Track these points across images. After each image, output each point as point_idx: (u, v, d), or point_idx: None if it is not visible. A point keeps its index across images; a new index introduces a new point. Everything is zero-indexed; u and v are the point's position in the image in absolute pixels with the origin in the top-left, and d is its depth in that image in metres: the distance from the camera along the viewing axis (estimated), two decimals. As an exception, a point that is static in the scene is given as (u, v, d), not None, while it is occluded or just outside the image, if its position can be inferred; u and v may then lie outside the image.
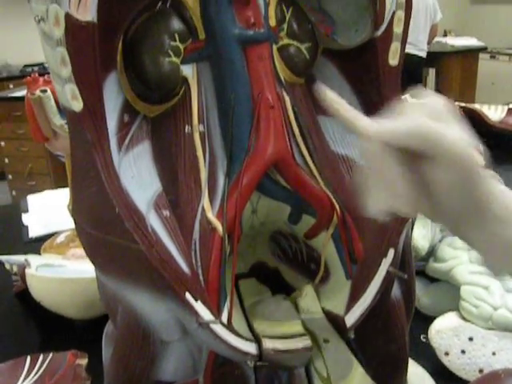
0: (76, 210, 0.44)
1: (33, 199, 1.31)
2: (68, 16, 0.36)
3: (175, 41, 0.43)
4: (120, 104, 0.44)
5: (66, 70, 0.37)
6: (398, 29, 0.46)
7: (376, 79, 0.48)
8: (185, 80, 0.45)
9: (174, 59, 0.43)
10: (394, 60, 0.47)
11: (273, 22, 0.46)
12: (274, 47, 0.46)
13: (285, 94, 0.46)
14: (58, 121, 0.87)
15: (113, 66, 0.43)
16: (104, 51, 0.40)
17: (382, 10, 0.46)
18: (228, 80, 0.44)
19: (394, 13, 0.46)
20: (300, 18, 0.48)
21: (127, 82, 0.44)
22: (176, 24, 0.44)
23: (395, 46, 0.47)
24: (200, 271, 0.43)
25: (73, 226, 0.98)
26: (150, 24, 0.43)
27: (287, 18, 0.47)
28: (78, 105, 0.38)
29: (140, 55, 0.43)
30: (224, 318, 0.43)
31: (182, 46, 0.44)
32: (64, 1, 0.36)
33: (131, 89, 0.44)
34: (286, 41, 0.47)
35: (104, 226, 0.41)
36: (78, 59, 0.37)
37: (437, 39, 4.53)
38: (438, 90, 4.73)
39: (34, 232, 1.13)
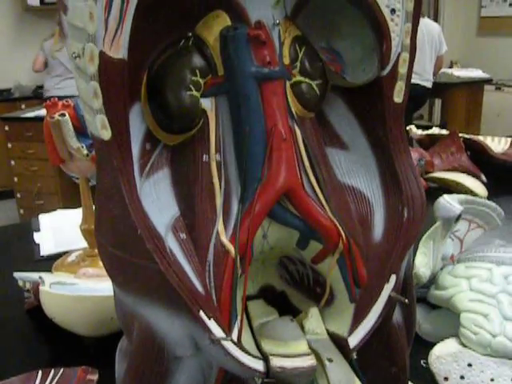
0: (99, 230, 0.47)
1: (44, 218, 1.34)
2: (102, 53, 0.39)
3: (196, 76, 0.47)
4: (143, 133, 0.47)
5: (98, 102, 0.40)
6: (402, 69, 0.50)
7: (382, 115, 0.51)
8: (204, 112, 0.48)
9: (195, 93, 0.47)
10: (398, 98, 0.50)
11: (287, 61, 0.49)
12: (288, 84, 0.50)
13: (296, 127, 0.50)
14: (75, 143, 0.91)
15: (137, 97, 0.46)
16: (130, 84, 0.43)
17: (388, 51, 0.49)
18: (244, 113, 0.47)
19: (399, 54, 0.49)
20: (312, 56, 0.51)
21: (150, 113, 0.47)
22: (197, 60, 0.47)
23: (400, 86, 0.50)
24: (213, 291, 0.45)
25: (84, 245, 1.01)
26: (174, 60, 0.47)
27: (300, 57, 0.50)
28: (106, 134, 0.41)
29: (163, 88, 0.46)
30: (234, 335, 0.46)
31: (202, 81, 0.47)
32: (99, 40, 0.39)
33: (153, 119, 0.47)
34: (298, 78, 0.51)
35: (125, 246, 0.44)
36: (109, 92, 0.40)
37: (443, 70, 4.59)
38: (444, 120, 4.77)
39: (45, 250, 1.16)
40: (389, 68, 0.49)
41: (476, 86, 4.74)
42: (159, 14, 0.45)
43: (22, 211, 3.52)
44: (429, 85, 4.14)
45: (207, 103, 0.48)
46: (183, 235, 0.46)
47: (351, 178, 0.53)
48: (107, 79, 0.40)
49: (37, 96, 4.34)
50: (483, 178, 1.40)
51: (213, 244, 0.46)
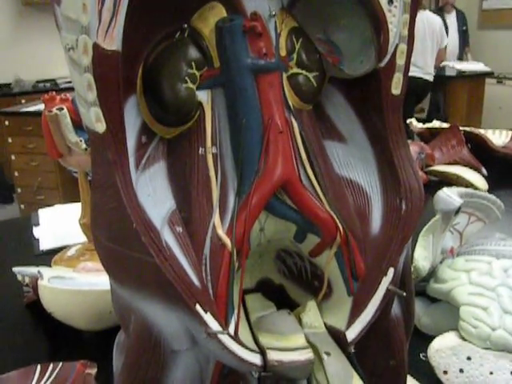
0: (95, 224, 0.46)
1: (44, 213, 1.34)
2: (96, 45, 0.39)
3: (192, 68, 0.46)
4: (138, 126, 0.47)
5: (92, 95, 0.40)
6: (400, 61, 0.49)
7: (379, 107, 0.50)
8: (200, 105, 0.48)
9: (191, 85, 0.46)
10: (396, 90, 0.50)
11: (283, 52, 0.49)
12: (284, 75, 0.49)
13: (293, 119, 0.49)
14: (73, 138, 0.90)
15: (133, 90, 0.46)
16: (125, 77, 0.43)
17: (386, 42, 0.49)
18: (240, 106, 0.47)
19: (397, 45, 0.49)
20: (309, 48, 0.51)
21: (145, 106, 0.47)
22: (193, 53, 0.47)
23: (398, 77, 0.50)
24: (210, 285, 0.45)
25: (83, 239, 1.01)
26: (169, 52, 0.46)
27: (297, 49, 0.50)
28: (101, 127, 0.41)
29: (159, 81, 0.46)
30: (231, 329, 0.46)
31: (198, 74, 0.47)
32: (93, 31, 0.39)
33: (149, 112, 0.47)
34: (295, 70, 0.50)
35: (121, 240, 0.43)
36: (103, 85, 0.40)
37: (444, 63, 4.57)
38: (445, 113, 4.76)
39: (44, 245, 1.16)
40: (386, 59, 0.49)
41: (477, 79, 4.72)
42: (154, 6, 0.44)
43: (22, 206, 3.52)
44: (430, 78, 4.13)
45: (203, 95, 0.48)
46: (179, 228, 0.46)
47: (349, 170, 0.53)
48: (101, 71, 0.40)
49: (37, 91, 4.34)
50: (484, 171, 1.40)
51: (209, 237, 0.46)
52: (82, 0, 0.38)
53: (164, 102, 0.46)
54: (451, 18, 5.25)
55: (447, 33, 5.11)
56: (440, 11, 5.24)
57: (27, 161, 3.41)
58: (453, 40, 5.20)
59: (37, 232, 1.23)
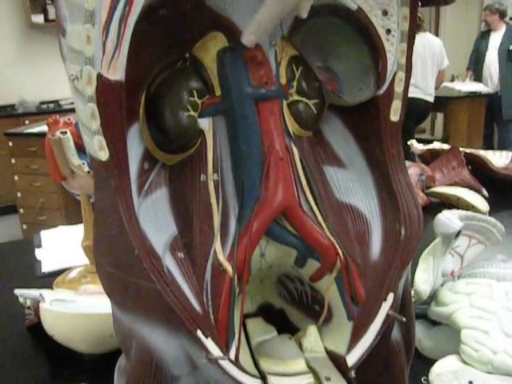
0: (97, 249, 0.47)
1: (46, 234, 1.34)
2: (99, 76, 0.40)
3: (193, 97, 0.47)
4: (141, 153, 0.48)
5: (96, 124, 0.41)
6: (398, 88, 0.50)
7: (378, 133, 0.51)
8: (201, 132, 0.49)
9: (192, 113, 0.47)
10: (395, 116, 0.51)
11: (283, 81, 0.50)
12: (284, 103, 0.50)
13: (293, 146, 0.50)
14: (76, 161, 0.91)
15: (136, 118, 0.47)
16: (128, 105, 0.44)
17: (384, 70, 0.50)
18: (241, 133, 0.48)
19: (395, 73, 0.50)
20: (308, 76, 0.52)
21: (148, 133, 0.48)
22: (195, 81, 0.48)
23: (396, 104, 0.50)
24: (211, 310, 0.46)
25: (85, 262, 1.01)
26: (171, 81, 0.47)
27: (297, 77, 0.51)
28: (104, 155, 0.42)
29: (161, 109, 0.47)
30: (232, 354, 0.46)
31: (199, 102, 0.48)
32: (97, 62, 0.40)
33: (151, 139, 0.48)
34: (295, 97, 0.51)
35: (123, 266, 0.44)
36: (107, 114, 0.41)
37: (444, 84, 4.60)
38: (446, 134, 4.78)
39: (46, 267, 1.16)
40: (385, 87, 0.50)
41: (477, 99, 4.74)
42: (157, 36, 0.45)
43: (24, 226, 3.52)
44: (431, 99, 4.16)
45: (205, 123, 0.49)
46: (181, 254, 0.46)
47: (349, 196, 0.54)
48: (105, 101, 0.40)
49: (40, 112, 4.37)
50: (484, 192, 1.40)
51: (210, 263, 0.46)
52: (86, 32, 0.39)
53: (166, 130, 0.47)
54: (496, 36, 4.91)
55: (486, 52, 4.93)
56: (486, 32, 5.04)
57: (30, 181, 3.42)
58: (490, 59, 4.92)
59: (39, 254, 1.23)
